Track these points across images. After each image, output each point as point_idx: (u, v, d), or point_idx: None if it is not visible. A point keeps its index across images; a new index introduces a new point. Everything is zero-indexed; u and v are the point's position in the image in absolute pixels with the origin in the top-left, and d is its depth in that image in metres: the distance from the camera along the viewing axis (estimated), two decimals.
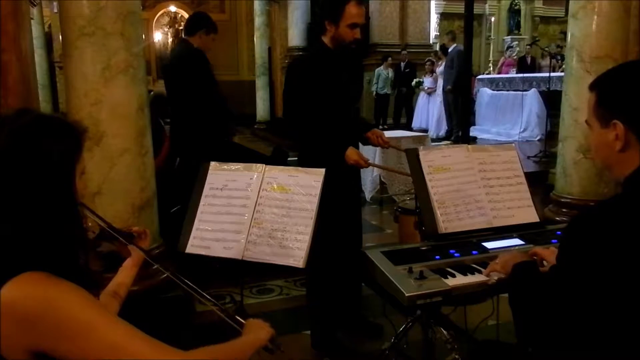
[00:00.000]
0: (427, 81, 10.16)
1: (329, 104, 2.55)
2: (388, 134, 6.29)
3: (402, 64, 10.44)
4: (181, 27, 14.32)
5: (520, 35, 15.43)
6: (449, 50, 9.05)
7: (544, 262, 1.64)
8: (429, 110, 10.14)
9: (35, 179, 1.01)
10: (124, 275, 1.47)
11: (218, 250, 1.93)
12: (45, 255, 1.01)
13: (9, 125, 1.03)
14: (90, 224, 1.25)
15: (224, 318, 1.22)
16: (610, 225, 1.11)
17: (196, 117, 3.77)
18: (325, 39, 2.60)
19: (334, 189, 1.94)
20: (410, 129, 9.49)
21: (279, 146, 6.19)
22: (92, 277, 1.12)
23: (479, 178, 2.06)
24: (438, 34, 14.02)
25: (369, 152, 5.41)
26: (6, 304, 0.94)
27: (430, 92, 10.03)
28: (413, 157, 2.05)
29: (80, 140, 1.09)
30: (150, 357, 0.97)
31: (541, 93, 8.77)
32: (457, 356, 2.23)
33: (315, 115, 2.52)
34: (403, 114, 10.88)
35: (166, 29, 14.60)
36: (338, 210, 2.50)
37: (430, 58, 10.22)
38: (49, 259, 1.01)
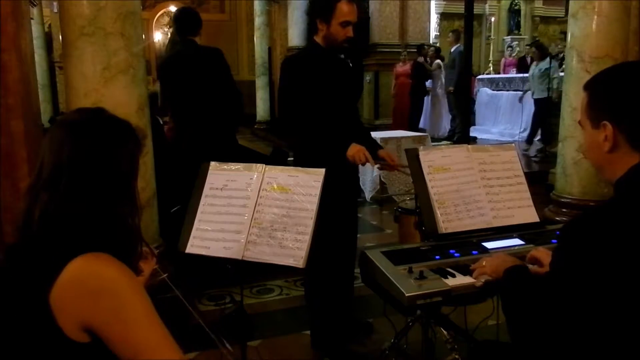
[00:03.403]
0: (427, 82, 10.15)
1: (323, 104, 2.53)
2: (389, 133, 6.33)
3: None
4: None
5: (520, 35, 15.44)
6: (452, 50, 9.00)
7: (537, 264, 1.64)
8: (427, 111, 10.13)
9: (107, 174, 1.12)
10: None
11: (218, 250, 1.93)
12: (112, 240, 1.10)
13: (84, 126, 1.13)
14: None
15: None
16: (603, 229, 1.10)
17: (216, 116, 3.69)
18: (318, 39, 2.58)
19: (331, 189, 1.94)
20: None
21: (279, 146, 6.19)
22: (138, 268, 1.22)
23: (479, 178, 2.06)
24: (438, 34, 14.03)
25: None
26: (77, 277, 1.01)
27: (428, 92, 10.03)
28: (413, 157, 2.05)
29: (141, 143, 1.22)
30: None
31: None
32: (457, 356, 2.23)
33: (311, 114, 2.49)
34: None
35: (166, 29, 14.58)
36: (336, 210, 2.49)
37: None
38: (114, 245, 1.09)
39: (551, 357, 1.21)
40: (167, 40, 14.24)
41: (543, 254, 1.64)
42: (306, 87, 2.50)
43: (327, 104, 2.55)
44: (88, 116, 1.17)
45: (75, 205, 1.08)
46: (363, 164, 2.50)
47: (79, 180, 1.09)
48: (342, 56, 2.78)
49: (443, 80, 9.60)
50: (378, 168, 2.61)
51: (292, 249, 1.84)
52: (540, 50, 8.09)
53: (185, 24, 3.73)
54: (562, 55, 8.78)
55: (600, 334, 1.10)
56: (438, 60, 9.60)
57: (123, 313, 1.02)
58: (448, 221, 1.96)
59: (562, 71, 6.85)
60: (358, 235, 2.90)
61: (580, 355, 1.14)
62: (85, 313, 1.01)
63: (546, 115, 7.88)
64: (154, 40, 14.20)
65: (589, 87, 1.25)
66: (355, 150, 2.44)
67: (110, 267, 1.04)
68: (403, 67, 9.71)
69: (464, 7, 5.86)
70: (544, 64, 7.82)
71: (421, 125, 10.12)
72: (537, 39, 11.50)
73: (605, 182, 1.31)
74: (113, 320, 1.01)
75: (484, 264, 1.63)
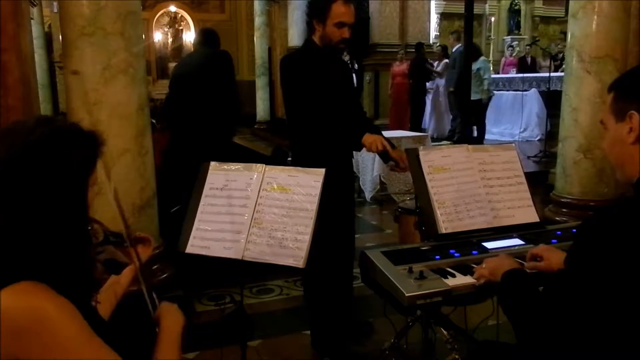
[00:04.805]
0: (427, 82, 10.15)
1: (322, 102, 2.53)
2: (388, 134, 6.32)
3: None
4: (181, 27, 14.41)
5: (520, 35, 15.45)
6: (453, 50, 8.94)
7: (537, 259, 1.63)
8: (428, 111, 10.13)
9: (48, 190, 0.99)
10: (123, 277, 1.47)
11: (218, 250, 1.93)
12: (51, 265, 0.99)
13: (27, 135, 1.00)
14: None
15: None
16: (624, 228, 1.10)
17: (211, 118, 3.88)
18: (315, 39, 2.59)
19: (328, 189, 1.94)
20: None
21: (279, 146, 6.19)
22: (93, 285, 1.13)
23: (479, 178, 2.06)
24: (438, 34, 14.03)
25: (368, 155, 5.42)
26: (3, 312, 0.92)
27: (429, 92, 10.02)
28: (413, 157, 2.05)
29: (96, 152, 1.08)
30: None
31: (541, 93, 8.78)
32: (457, 356, 2.24)
33: (322, 110, 2.50)
34: None
35: (166, 29, 14.59)
36: (333, 210, 2.49)
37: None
38: (53, 270, 0.99)
39: (558, 354, 1.20)
40: (171, 41, 14.35)
41: (543, 249, 1.63)
42: (311, 85, 2.51)
43: (328, 102, 2.55)
44: (35, 119, 1.06)
45: (11, 223, 0.96)
46: (380, 152, 2.47)
47: (15, 188, 0.97)
48: (348, 57, 2.79)
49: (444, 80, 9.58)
50: (390, 169, 2.63)
51: (292, 249, 1.83)
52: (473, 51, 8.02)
53: (209, 38, 4.19)
54: (561, 55, 8.80)
55: (618, 332, 1.09)
56: (446, 60, 9.50)
57: (57, 349, 0.93)
58: (448, 221, 1.96)
59: (562, 71, 6.86)
60: (358, 235, 2.90)
61: (592, 351, 1.13)
62: (11, 349, 0.92)
63: (481, 116, 7.88)
64: (154, 40, 14.20)
65: (615, 84, 1.25)
66: (372, 138, 2.45)
67: (41, 301, 0.94)
68: (400, 67, 9.59)
69: (464, 7, 5.84)
70: (477, 64, 7.70)
71: (422, 125, 10.12)
72: (537, 39, 11.48)
73: (621, 181, 1.29)
74: (48, 356, 0.93)
75: (484, 265, 1.63)
